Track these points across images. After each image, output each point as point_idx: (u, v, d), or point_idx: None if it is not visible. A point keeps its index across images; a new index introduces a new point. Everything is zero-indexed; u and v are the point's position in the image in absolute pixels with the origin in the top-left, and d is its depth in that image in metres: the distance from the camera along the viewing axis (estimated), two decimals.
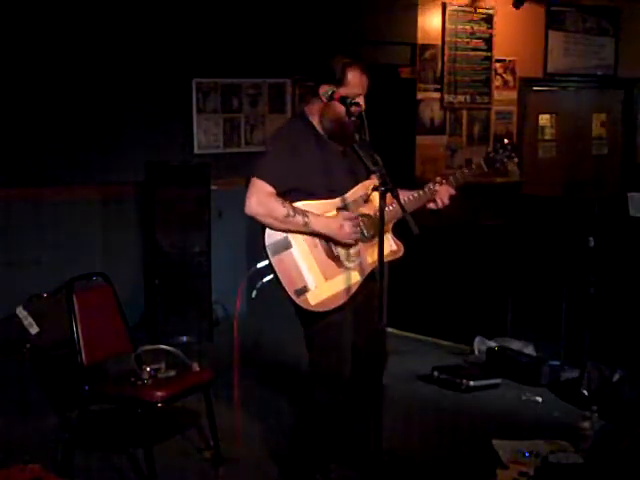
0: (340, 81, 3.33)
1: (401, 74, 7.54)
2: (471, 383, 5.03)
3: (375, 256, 3.30)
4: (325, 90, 3.36)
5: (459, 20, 7.85)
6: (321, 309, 3.32)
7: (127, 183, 6.34)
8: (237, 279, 6.68)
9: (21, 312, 5.37)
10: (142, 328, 6.11)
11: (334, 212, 3.36)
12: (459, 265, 6.11)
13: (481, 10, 7.99)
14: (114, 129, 6.24)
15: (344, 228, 3.30)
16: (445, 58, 7.80)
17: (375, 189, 3.06)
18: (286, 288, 3.29)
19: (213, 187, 6.35)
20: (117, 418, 4.29)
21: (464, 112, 8.08)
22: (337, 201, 3.37)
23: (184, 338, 6.09)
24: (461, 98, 8.00)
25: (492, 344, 5.58)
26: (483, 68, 8.10)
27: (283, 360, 5.34)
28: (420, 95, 7.71)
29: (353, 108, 3.29)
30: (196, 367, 3.90)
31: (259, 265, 3.36)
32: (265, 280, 3.37)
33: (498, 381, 5.13)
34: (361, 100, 3.36)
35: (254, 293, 3.42)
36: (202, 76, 6.64)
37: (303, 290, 3.28)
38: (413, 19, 7.54)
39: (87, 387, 3.77)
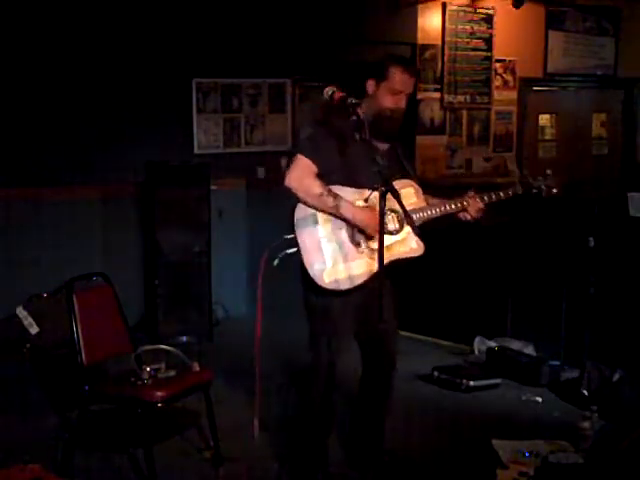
0: (383, 76, 3.50)
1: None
2: (471, 383, 5.03)
3: (395, 250, 3.47)
4: (371, 84, 3.53)
5: (459, 20, 7.85)
6: (332, 287, 3.42)
7: (127, 183, 6.34)
8: (237, 279, 6.73)
9: (21, 312, 5.37)
10: (142, 328, 6.11)
11: (361, 202, 3.48)
12: (459, 265, 6.11)
13: (481, 10, 7.98)
14: (114, 129, 6.23)
15: (370, 221, 3.39)
16: (445, 58, 7.80)
17: (375, 189, 3.11)
18: (305, 261, 3.42)
19: (213, 187, 6.35)
20: (117, 418, 4.28)
21: (464, 112, 8.08)
22: (369, 192, 3.47)
23: (184, 338, 6.09)
24: (461, 98, 8.00)
25: (492, 344, 5.58)
26: (483, 68, 8.10)
27: (285, 359, 5.33)
28: (420, 95, 7.70)
29: (391, 104, 3.45)
30: (196, 367, 3.90)
31: (286, 236, 3.47)
32: (289, 251, 3.47)
33: (498, 381, 5.14)
34: (402, 98, 3.50)
35: (276, 261, 3.49)
36: (202, 76, 6.64)
37: (320, 266, 3.41)
38: (413, 19, 7.53)
39: (87, 387, 3.77)
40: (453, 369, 5.26)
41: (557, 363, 5.23)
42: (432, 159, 7.89)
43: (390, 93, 3.49)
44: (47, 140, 6.02)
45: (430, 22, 7.69)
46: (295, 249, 3.45)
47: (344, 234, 3.46)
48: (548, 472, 3.67)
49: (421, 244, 3.52)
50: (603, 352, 5.02)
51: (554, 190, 3.68)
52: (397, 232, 3.49)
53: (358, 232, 3.45)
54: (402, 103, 3.53)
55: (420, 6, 7.54)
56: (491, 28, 8.06)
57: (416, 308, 6.19)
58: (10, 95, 5.85)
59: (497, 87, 8.26)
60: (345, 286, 3.43)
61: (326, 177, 3.46)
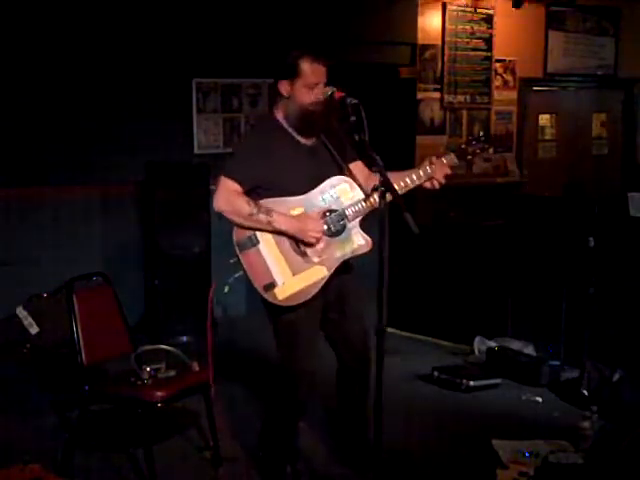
0: (295, 74, 3.38)
1: (401, 74, 7.54)
2: (471, 383, 5.03)
3: (342, 250, 3.42)
4: (285, 85, 3.41)
5: (459, 20, 7.85)
6: (288, 304, 3.39)
7: (127, 183, 6.34)
8: (237, 279, 6.71)
9: (21, 312, 5.37)
10: (142, 328, 6.11)
11: (301, 209, 3.41)
12: (459, 265, 6.11)
13: (481, 10, 7.98)
14: (114, 129, 6.23)
15: (307, 228, 3.36)
16: (445, 58, 7.80)
17: (375, 189, 3.09)
18: (254, 283, 3.38)
19: (213, 187, 6.32)
20: (117, 418, 4.29)
21: (464, 112, 8.08)
22: (304, 197, 3.42)
23: (184, 338, 6.09)
24: (461, 98, 8.00)
25: (492, 344, 5.58)
26: (483, 68, 8.10)
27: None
28: (420, 95, 7.70)
29: (312, 99, 3.33)
30: (196, 367, 3.90)
31: (231, 261, 3.46)
32: (236, 275, 3.47)
33: (498, 381, 5.13)
34: (320, 89, 3.38)
35: (226, 288, 3.50)
36: (202, 76, 6.64)
37: (271, 285, 3.36)
38: (413, 19, 7.53)
39: (87, 387, 3.77)
40: (453, 369, 5.26)
41: (557, 363, 5.23)
42: None
43: (307, 88, 3.36)
44: (47, 140, 6.02)
45: (430, 22, 7.69)
46: (242, 272, 3.41)
47: (287, 247, 3.40)
48: (548, 472, 3.67)
49: (368, 239, 3.45)
50: (603, 352, 5.02)
51: (490, 150, 3.61)
52: (340, 232, 3.43)
53: (300, 242, 3.40)
54: (320, 94, 3.37)
55: (420, 6, 7.54)
56: (491, 28, 8.06)
57: (416, 308, 6.20)
58: (10, 95, 5.85)
59: (497, 87, 8.26)
60: (301, 300, 3.38)
61: (259, 191, 3.40)
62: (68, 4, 5.90)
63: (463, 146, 3.56)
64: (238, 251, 3.43)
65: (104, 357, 3.95)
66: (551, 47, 8.53)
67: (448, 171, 3.48)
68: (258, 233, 3.40)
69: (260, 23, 6.66)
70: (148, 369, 3.76)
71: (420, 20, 7.59)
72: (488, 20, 8.04)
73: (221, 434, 4.03)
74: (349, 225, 3.44)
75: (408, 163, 7.56)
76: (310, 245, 3.38)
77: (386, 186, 3.03)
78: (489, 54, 8.11)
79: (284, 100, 3.44)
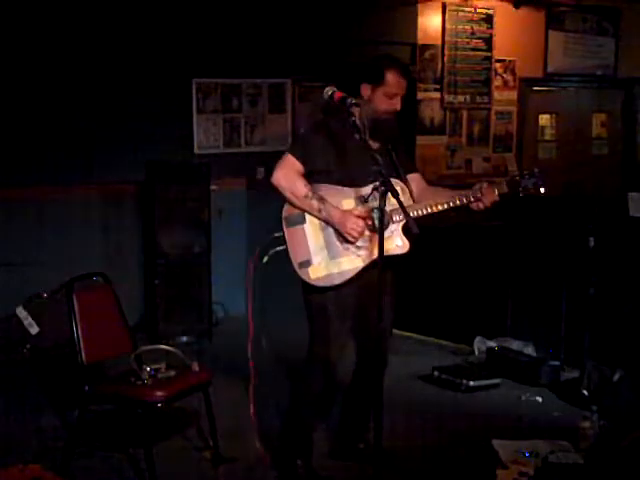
0: (379, 81, 3.56)
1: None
2: (471, 383, 5.03)
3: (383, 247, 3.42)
4: (366, 88, 3.57)
5: (459, 20, 7.85)
6: (318, 284, 3.51)
7: (127, 183, 6.34)
8: (237, 279, 6.72)
9: (21, 312, 5.37)
10: (142, 328, 6.11)
11: (351, 200, 3.54)
12: (459, 265, 6.11)
13: (481, 10, 7.98)
14: (114, 129, 6.23)
15: (348, 225, 3.47)
16: (445, 58, 7.80)
17: (375, 189, 3.12)
18: (292, 258, 3.51)
19: (213, 187, 6.35)
20: (117, 418, 4.29)
21: (464, 112, 8.08)
22: (357, 190, 3.53)
23: (184, 338, 6.09)
24: (461, 98, 8.00)
25: (492, 344, 5.58)
26: (483, 68, 8.10)
27: (285, 358, 5.33)
28: (420, 95, 7.71)
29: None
30: (196, 367, 3.90)
31: (275, 234, 3.56)
32: (278, 249, 3.57)
33: (498, 381, 5.13)
34: (397, 100, 3.60)
35: (265, 259, 3.62)
36: (202, 76, 6.64)
37: (306, 263, 3.50)
38: (413, 19, 7.53)
39: (87, 387, 3.77)
40: (453, 369, 5.26)
41: (557, 363, 5.23)
42: (432, 159, 7.89)
43: (386, 97, 3.55)
44: (47, 140, 6.02)
45: (430, 22, 7.69)
46: (283, 247, 3.53)
47: (331, 232, 3.53)
48: (548, 472, 3.67)
49: (406, 242, 3.56)
50: (603, 352, 5.02)
51: (542, 190, 3.64)
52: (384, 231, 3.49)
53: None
54: (398, 105, 3.60)
55: (420, 6, 7.54)
56: (491, 28, 8.06)
57: (416, 308, 6.19)
58: (10, 95, 5.85)
59: (497, 87, 8.26)
60: (330, 282, 3.50)
61: (318, 176, 3.53)
62: (68, 4, 5.90)
63: (517, 178, 3.62)
64: (285, 226, 3.54)
65: (104, 357, 3.95)
66: (551, 47, 8.53)
67: (496, 199, 3.59)
68: (306, 214, 3.52)
69: (260, 23, 6.66)
70: (148, 369, 3.76)
71: (420, 20, 7.59)
72: (488, 20, 8.04)
73: (221, 434, 4.03)
74: (392, 226, 3.53)
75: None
76: (352, 242, 3.50)
77: (386, 186, 3.06)
78: (489, 54, 8.11)
79: (362, 102, 3.55)
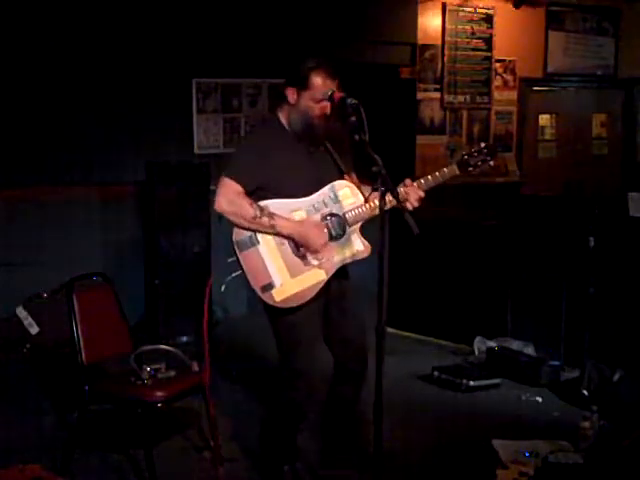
0: (304, 85, 3.37)
1: (401, 74, 7.54)
2: (471, 383, 5.03)
3: (341, 255, 3.44)
4: (292, 93, 3.41)
5: (459, 20, 7.85)
6: (285, 305, 3.39)
7: (127, 183, 6.34)
8: (237, 279, 6.72)
9: (21, 312, 5.37)
10: (142, 328, 6.11)
11: (302, 212, 3.42)
12: (459, 265, 6.11)
13: (481, 10, 7.98)
14: (114, 129, 6.23)
15: (310, 235, 3.36)
16: (445, 58, 7.80)
17: (375, 189, 3.09)
18: (252, 284, 3.38)
19: (213, 187, 6.33)
20: (117, 418, 4.29)
21: (464, 112, 8.08)
22: (305, 200, 3.43)
23: (184, 338, 6.09)
24: (461, 98, 8.00)
25: (492, 344, 5.58)
26: (483, 68, 8.10)
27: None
28: (420, 95, 7.70)
29: (317, 112, 3.33)
30: (196, 367, 3.90)
31: (229, 260, 3.45)
32: (234, 275, 3.45)
33: (498, 381, 5.14)
34: (327, 105, 3.37)
35: (223, 287, 3.48)
36: (202, 76, 6.64)
37: (269, 286, 3.37)
38: (413, 19, 7.53)
39: (87, 387, 3.77)
40: (453, 369, 5.26)
41: (557, 363, 5.23)
42: (432, 159, 7.88)
43: (314, 102, 3.36)
44: (47, 140, 6.02)
45: (430, 22, 7.69)
46: (240, 272, 3.41)
47: (287, 249, 3.41)
48: (548, 472, 3.67)
49: (367, 244, 3.47)
50: (603, 352, 5.02)
51: (491, 163, 3.52)
52: (340, 236, 3.44)
53: (301, 246, 3.40)
54: (327, 109, 3.39)
55: (420, 6, 7.54)
56: (491, 28, 8.06)
57: (416, 308, 6.20)
58: (10, 96, 5.85)
59: (497, 87, 8.26)
60: (298, 302, 3.39)
61: (260, 192, 3.40)
62: (68, 4, 5.90)
63: (465, 157, 3.53)
64: (237, 251, 3.42)
65: (104, 357, 3.95)
66: (551, 47, 8.53)
67: (421, 194, 3.44)
68: (258, 234, 3.39)
69: (260, 23, 6.66)
70: (148, 369, 3.76)
71: (420, 20, 7.58)
72: (488, 20, 8.03)
73: (221, 434, 4.03)
74: (349, 230, 3.44)
75: (408, 163, 7.59)
76: (316, 251, 3.39)
77: (386, 186, 3.03)
78: (489, 54, 8.11)
79: (289, 106, 3.44)
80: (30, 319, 5.36)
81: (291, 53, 6.81)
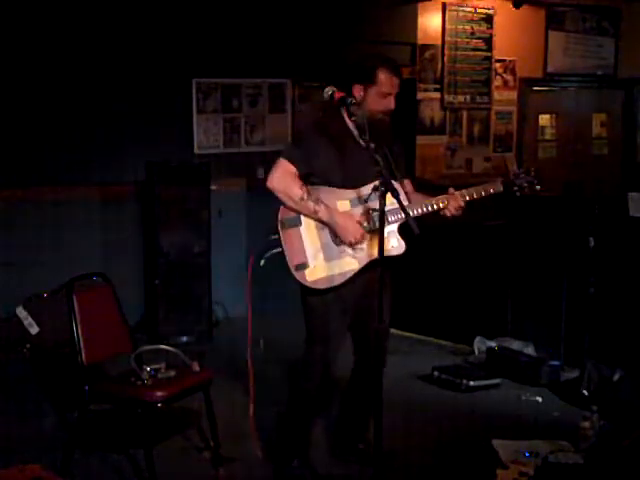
0: (371, 80, 3.51)
1: (401, 74, 7.55)
2: (471, 383, 5.03)
3: (376, 249, 3.43)
4: (358, 89, 3.53)
5: (459, 20, 7.85)
6: (315, 286, 3.51)
7: (127, 183, 6.34)
8: (237, 279, 6.72)
9: (21, 312, 5.37)
10: (142, 328, 6.11)
11: (346, 202, 3.53)
12: (459, 265, 6.11)
13: (481, 10, 7.99)
14: (114, 129, 6.23)
15: (347, 228, 3.47)
16: (445, 58, 7.81)
17: (375, 189, 3.12)
18: (288, 261, 3.50)
19: (213, 187, 6.35)
20: (117, 418, 4.29)
21: (464, 112, 8.08)
22: (352, 192, 3.54)
23: (184, 338, 6.09)
24: (461, 98, 8.00)
25: (492, 344, 5.58)
26: (483, 68, 8.10)
27: (284, 359, 5.34)
28: (420, 95, 7.71)
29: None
30: (196, 367, 3.90)
31: (272, 237, 3.55)
32: (274, 251, 3.54)
33: (498, 381, 5.14)
34: (391, 100, 3.55)
35: (262, 262, 3.59)
36: (202, 76, 6.64)
37: (302, 265, 3.49)
38: (413, 19, 7.53)
39: (87, 387, 3.77)
40: (453, 369, 5.26)
41: (557, 363, 5.23)
42: (432, 159, 7.89)
43: (380, 97, 3.52)
44: (47, 140, 6.02)
45: (430, 22, 7.69)
46: (280, 249, 3.51)
47: (327, 234, 3.52)
48: (548, 472, 3.67)
49: (402, 242, 3.56)
50: (603, 352, 5.02)
51: (537, 187, 3.62)
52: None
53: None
54: (392, 104, 3.56)
55: (420, 6, 7.54)
56: (491, 28, 8.07)
57: (416, 308, 6.19)
58: (10, 96, 5.84)
59: (497, 87, 8.26)
60: (327, 284, 3.50)
61: (313, 178, 3.53)
62: (68, 4, 5.90)
63: (512, 177, 3.62)
64: (280, 228, 3.53)
65: (104, 357, 3.95)
66: (551, 47, 8.54)
67: (461, 204, 3.60)
68: (302, 216, 3.52)
69: (260, 23, 6.66)
70: (148, 369, 3.76)
71: (420, 20, 7.59)
72: (488, 20, 8.04)
73: (221, 434, 4.03)
74: (388, 227, 3.49)
75: (408, 163, 7.59)
76: (351, 244, 3.49)
77: (386, 186, 3.06)
78: (489, 54, 8.11)
79: (355, 102, 3.50)
80: (30, 319, 5.36)
81: (291, 53, 6.83)
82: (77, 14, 5.95)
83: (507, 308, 5.83)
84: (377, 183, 3.12)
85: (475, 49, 8.02)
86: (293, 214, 3.52)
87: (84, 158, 6.14)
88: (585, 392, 4.73)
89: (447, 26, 7.77)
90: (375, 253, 3.46)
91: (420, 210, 3.56)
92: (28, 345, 5.37)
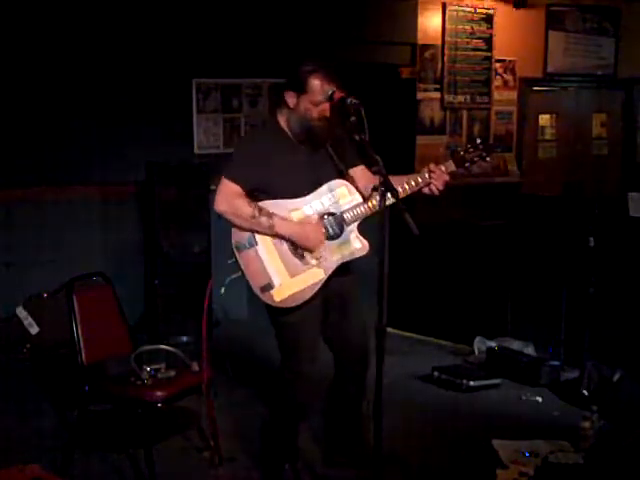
0: (302, 89, 3.39)
1: (401, 74, 7.54)
2: (471, 383, 5.03)
3: (339, 253, 3.45)
4: (291, 96, 3.42)
5: (459, 20, 7.84)
6: (285, 305, 3.42)
7: (127, 183, 6.33)
8: (237, 279, 6.72)
9: (21, 312, 5.37)
10: (142, 328, 6.11)
11: (299, 211, 3.44)
12: (459, 265, 6.11)
13: (481, 10, 7.98)
14: (114, 129, 6.23)
15: (308, 235, 3.39)
16: (445, 58, 7.80)
17: (375, 189, 3.10)
18: (251, 284, 3.41)
19: (213, 187, 6.33)
20: (117, 418, 4.29)
21: (464, 112, 8.07)
22: (303, 200, 3.45)
23: (184, 338, 6.09)
24: (461, 98, 7.99)
25: (492, 344, 5.58)
26: (483, 68, 8.09)
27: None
28: (420, 95, 7.70)
29: (316, 114, 3.35)
30: (196, 367, 3.90)
31: (229, 261, 3.48)
32: (233, 276, 3.48)
33: (498, 381, 5.14)
34: (326, 107, 3.39)
35: (222, 290, 3.51)
36: (202, 76, 6.63)
37: (268, 287, 3.40)
38: (413, 19, 7.53)
39: (87, 387, 3.78)
40: (453, 369, 5.26)
41: (557, 363, 5.23)
42: (432, 159, 7.82)
43: (313, 104, 3.39)
44: (47, 140, 6.02)
45: (430, 22, 7.68)
46: (239, 273, 3.44)
47: (285, 249, 3.43)
48: (548, 472, 3.67)
49: (365, 243, 3.48)
50: (603, 352, 5.02)
51: (488, 159, 3.54)
52: (338, 236, 3.46)
53: (300, 247, 3.42)
54: (327, 112, 3.42)
55: (420, 6, 7.53)
56: (491, 28, 8.06)
57: (416, 308, 6.20)
58: (10, 96, 5.84)
59: (497, 87, 8.25)
60: (297, 302, 3.41)
61: (259, 193, 3.43)
62: (68, 4, 5.90)
63: (461, 153, 3.53)
64: (236, 252, 3.45)
65: (104, 357, 3.95)
66: (551, 47, 8.52)
67: (446, 178, 3.48)
68: (257, 234, 3.41)
69: (260, 23, 6.66)
70: (148, 369, 3.76)
71: (420, 20, 7.58)
72: (488, 20, 8.03)
73: (221, 434, 4.03)
74: (347, 228, 3.46)
75: (408, 163, 7.59)
76: (314, 249, 3.41)
77: (386, 186, 3.04)
78: (489, 54, 8.10)
79: (288, 110, 3.46)
80: (30, 319, 5.37)
81: (291, 53, 6.82)
82: (77, 14, 5.94)
83: (507, 308, 5.83)
84: (377, 183, 3.09)
85: (475, 49, 8.01)
86: (247, 235, 3.41)
87: (84, 158, 6.14)
88: (585, 392, 4.73)
89: (447, 26, 7.76)
90: (338, 258, 3.44)
91: (402, 189, 3.39)
92: (28, 345, 5.37)
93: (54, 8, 5.86)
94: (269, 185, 3.42)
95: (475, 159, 3.53)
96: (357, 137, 3.25)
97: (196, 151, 6.69)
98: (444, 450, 4.14)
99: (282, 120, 3.49)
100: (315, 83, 3.36)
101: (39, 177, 5.99)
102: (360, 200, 3.46)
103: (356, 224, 3.48)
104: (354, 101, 3.30)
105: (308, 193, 3.44)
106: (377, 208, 3.13)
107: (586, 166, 8.91)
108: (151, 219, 6.20)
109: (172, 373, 3.81)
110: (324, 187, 3.46)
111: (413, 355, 5.76)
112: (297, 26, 6.80)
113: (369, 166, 3.52)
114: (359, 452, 3.82)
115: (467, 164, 3.52)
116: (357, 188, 3.49)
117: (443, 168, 3.48)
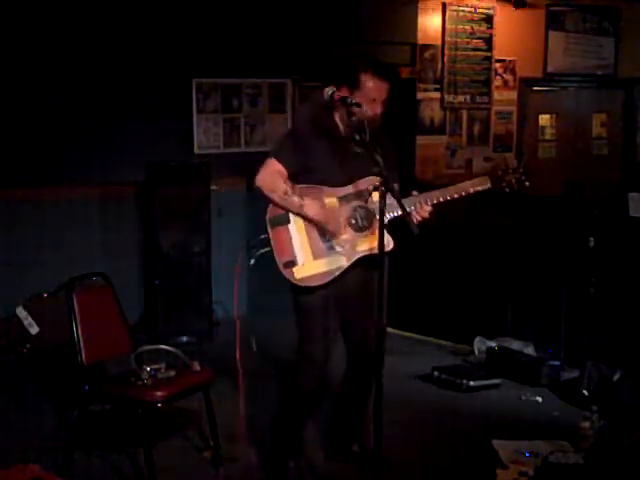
0: (355, 85, 3.46)
1: (401, 74, 7.55)
2: (471, 383, 5.03)
3: (365, 246, 3.51)
4: (344, 92, 3.46)
5: (459, 20, 7.85)
6: (303, 284, 3.51)
7: (127, 183, 6.34)
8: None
9: (21, 312, 5.37)
10: (142, 328, 6.11)
11: (334, 199, 3.52)
12: (459, 265, 6.11)
13: (481, 10, 7.98)
14: (114, 129, 6.23)
15: (328, 220, 3.48)
16: (445, 58, 7.80)
17: (375, 189, 3.12)
18: (277, 259, 3.51)
19: (213, 187, 6.35)
20: (117, 418, 4.29)
21: (464, 112, 8.08)
22: (339, 190, 3.52)
23: (184, 338, 6.09)
24: (461, 98, 8.00)
25: (492, 344, 5.58)
26: (483, 68, 8.10)
27: (284, 359, 5.33)
28: (420, 95, 7.71)
29: (355, 109, 3.39)
30: (196, 367, 3.90)
31: (261, 237, 3.60)
32: (262, 251, 3.61)
33: (498, 381, 5.14)
34: (379, 106, 3.49)
35: (252, 261, 3.57)
36: (202, 76, 6.63)
37: (291, 263, 3.50)
38: (413, 19, 7.53)
39: (87, 387, 3.77)
40: (453, 369, 5.26)
41: (557, 363, 5.23)
42: (432, 159, 7.89)
43: (365, 102, 3.43)
44: (47, 140, 6.02)
45: (430, 22, 7.69)
46: (268, 248, 3.54)
47: (315, 233, 3.52)
48: (548, 472, 3.67)
49: (390, 240, 3.51)
50: (603, 352, 5.02)
51: (526, 183, 3.57)
52: (366, 228, 3.51)
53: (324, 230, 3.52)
54: (378, 109, 3.49)
55: (420, 6, 7.54)
56: (491, 28, 8.07)
57: (416, 308, 6.19)
58: (10, 96, 5.85)
59: (497, 87, 8.26)
60: (314, 282, 3.50)
61: (302, 177, 3.53)
62: (68, 4, 5.90)
63: (499, 173, 3.58)
64: (269, 227, 3.55)
65: (104, 357, 3.95)
66: (551, 47, 8.53)
67: (425, 215, 3.51)
68: (291, 214, 3.52)
69: (260, 23, 6.67)
70: (148, 369, 3.76)
71: (420, 20, 7.59)
72: (488, 20, 8.04)
73: (221, 434, 4.03)
74: (376, 225, 3.46)
75: (408, 163, 7.59)
76: (333, 234, 3.48)
77: (386, 186, 3.05)
78: (489, 54, 8.11)
79: (339, 104, 3.48)
80: (30, 319, 5.37)
81: (291, 53, 6.83)
82: (78, 14, 5.95)
83: (507, 308, 5.82)
84: (377, 183, 3.11)
85: (475, 49, 8.02)
86: (281, 212, 3.53)
87: (84, 158, 6.14)
88: (585, 392, 4.73)
89: (447, 26, 7.77)
90: (362, 250, 3.50)
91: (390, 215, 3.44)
92: (28, 345, 5.37)
93: (54, 8, 5.87)
94: (311, 171, 3.52)
95: (513, 182, 3.56)
96: (357, 137, 3.27)
97: (196, 151, 6.70)
98: (444, 450, 4.13)
99: (337, 114, 3.54)
100: (368, 79, 3.44)
101: (39, 177, 5.99)
102: (394, 203, 3.47)
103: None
104: (354, 101, 3.32)
105: (346, 185, 3.51)
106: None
107: (586, 166, 8.92)
108: (151, 219, 6.20)
109: (172, 373, 3.81)
110: (363, 181, 3.51)
111: (413, 355, 5.76)
112: (297, 26, 6.81)
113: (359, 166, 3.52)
114: (360, 451, 3.85)
115: (504, 184, 3.56)
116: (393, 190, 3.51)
117: (480, 187, 3.50)
